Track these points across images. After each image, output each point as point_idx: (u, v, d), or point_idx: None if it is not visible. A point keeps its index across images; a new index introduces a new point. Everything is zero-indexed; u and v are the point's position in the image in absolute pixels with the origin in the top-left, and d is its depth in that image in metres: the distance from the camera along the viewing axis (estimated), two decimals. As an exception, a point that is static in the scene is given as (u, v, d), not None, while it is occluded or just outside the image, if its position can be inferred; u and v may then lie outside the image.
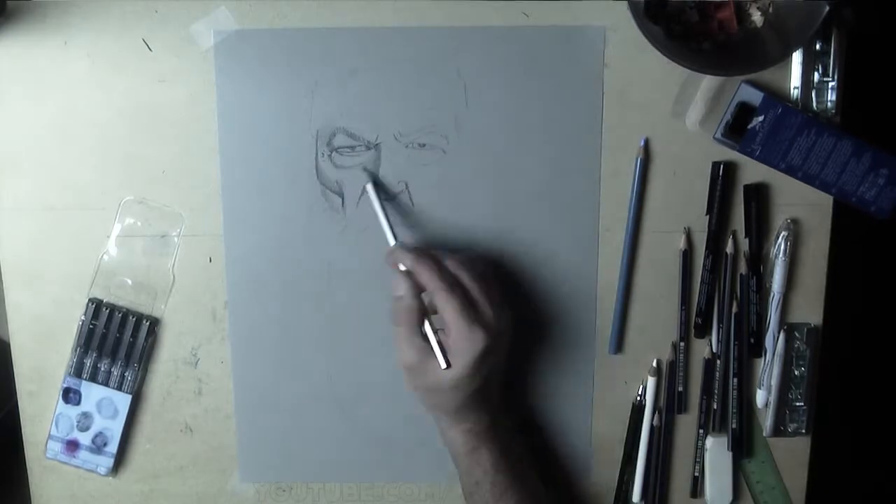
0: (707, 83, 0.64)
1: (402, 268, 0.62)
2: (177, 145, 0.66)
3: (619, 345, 0.69)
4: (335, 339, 0.69)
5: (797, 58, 0.64)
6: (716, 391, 0.69)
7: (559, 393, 0.70)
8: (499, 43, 0.65)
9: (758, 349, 0.69)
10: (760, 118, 0.64)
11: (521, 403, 0.70)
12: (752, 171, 0.66)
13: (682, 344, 0.68)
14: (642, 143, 0.66)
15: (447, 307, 0.60)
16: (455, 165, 0.66)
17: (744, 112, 0.64)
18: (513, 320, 0.64)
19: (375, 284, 0.68)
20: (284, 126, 0.66)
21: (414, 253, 0.62)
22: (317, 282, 0.68)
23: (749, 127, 0.64)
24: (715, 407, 0.69)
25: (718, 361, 0.68)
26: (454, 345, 0.60)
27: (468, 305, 0.60)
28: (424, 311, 0.61)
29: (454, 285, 0.60)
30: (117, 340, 0.68)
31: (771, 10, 0.64)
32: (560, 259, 0.68)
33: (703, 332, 0.69)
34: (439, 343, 0.60)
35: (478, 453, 0.63)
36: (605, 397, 0.70)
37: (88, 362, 0.69)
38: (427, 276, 0.61)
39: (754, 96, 0.64)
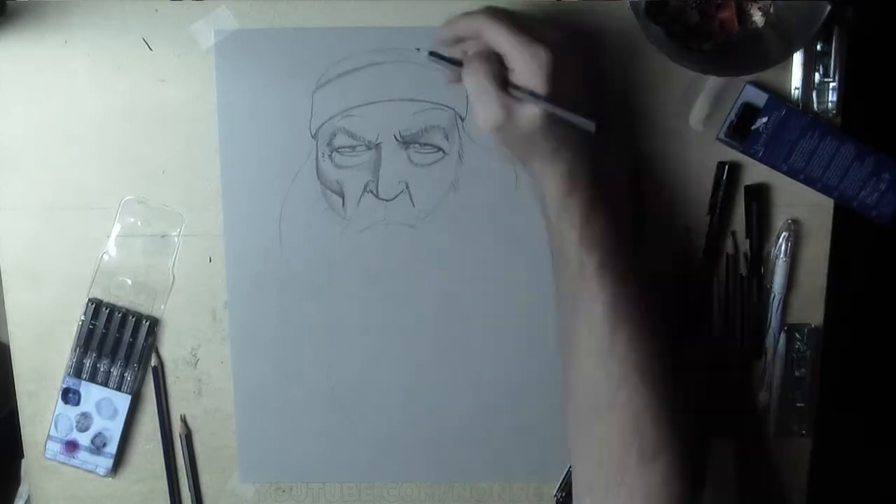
0: (711, 83, 0.64)
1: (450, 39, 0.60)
2: (177, 145, 0.66)
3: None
4: (335, 340, 0.69)
5: (798, 58, 0.64)
6: (721, 392, 0.69)
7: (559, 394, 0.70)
8: (499, 43, 0.65)
9: (758, 350, 0.69)
10: (764, 119, 0.64)
11: (521, 399, 0.70)
12: (753, 171, 0.66)
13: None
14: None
15: (498, 35, 0.56)
16: (455, 165, 0.66)
17: (748, 113, 0.64)
18: (569, 39, 0.59)
19: (375, 284, 0.68)
20: (284, 126, 0.66)
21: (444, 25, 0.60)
22: (317, 282, 0.68)
23: (753, 128, 0.64)
24: (723, 408, 0.69)
25: (724, 363, 0.68)
26: (521, 74, 0.56)
27: (517, 27, 0.56)
28: (497, 66, 0.57)
29: (496, 11, 0.58)
30: (117, 340, 0.68)
31: (772, 10, 0.64)
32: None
33: (699, 331, 0.68)
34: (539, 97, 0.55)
35: (572, 198, 0.57)
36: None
37: (88, 362, 0.68)
38: (464, 24, 0.58)
39: (759, 97, 0.64)
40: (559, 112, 0.55)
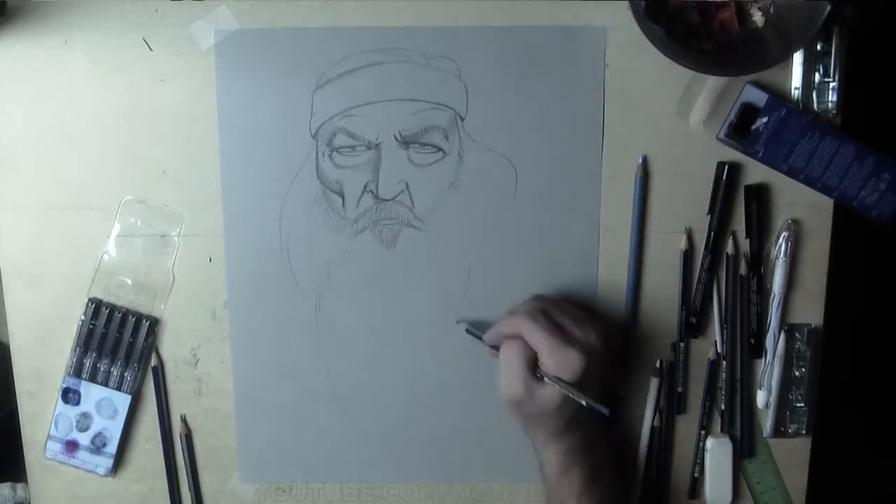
0: (712, 83, 0.64)
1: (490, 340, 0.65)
2: (177, 145, 0.66)
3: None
4: (335, 339, 0.69)
5: (798, 58, 0.64)
6: (722, 392, 0.69)
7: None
8: (499, 43, 0.65)
9: (758, 350, 0.69)
10: (764, 119, 0.64)
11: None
12: (753, 171, 0.66)
13: (681, 345, 0.68)
14: (640, 161, 0.66)
15: (534, 335, 0.61)
16: (455, 165, 0.66)
17: (748, 113, 0.64)
18: (603, 333, 0.63)
19: (375, 284, 0.68)
20: (284, 126, 0.66)
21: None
22: (316, 282, 0.68)
23: (753, 128, 0.64)
24: (722, 408, 0.69)
25: (724, 362, 0.68)
26: (551, 368, 0.60)
27: (555, 329, 0.61)
28: (530, 352, 0.62)
29: (535, 313, 0.62)
30: (117, 340, 0.68)
31: (772, 10, 0.64)
32: (561, 259, 0.68)
33: (698, 331, 0.69)
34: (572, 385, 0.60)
35: (570, 474, 0.63)
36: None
37: (88, 362, 0.68)
38: (507, 323, 0.63)
39: (759, 97, 0.64)
40: (580, 398, 0.60)
